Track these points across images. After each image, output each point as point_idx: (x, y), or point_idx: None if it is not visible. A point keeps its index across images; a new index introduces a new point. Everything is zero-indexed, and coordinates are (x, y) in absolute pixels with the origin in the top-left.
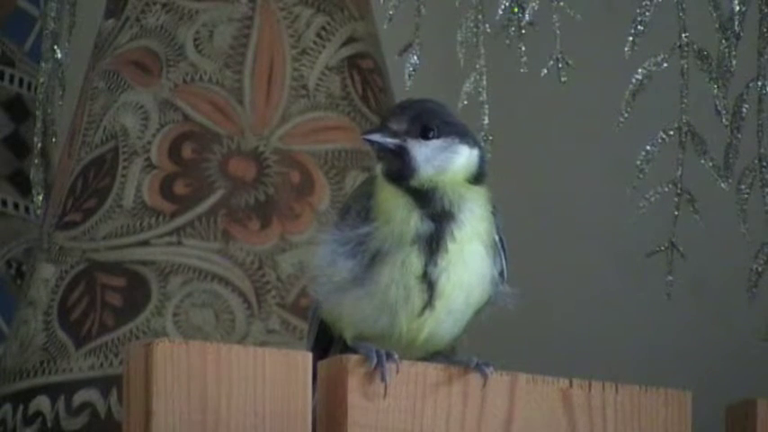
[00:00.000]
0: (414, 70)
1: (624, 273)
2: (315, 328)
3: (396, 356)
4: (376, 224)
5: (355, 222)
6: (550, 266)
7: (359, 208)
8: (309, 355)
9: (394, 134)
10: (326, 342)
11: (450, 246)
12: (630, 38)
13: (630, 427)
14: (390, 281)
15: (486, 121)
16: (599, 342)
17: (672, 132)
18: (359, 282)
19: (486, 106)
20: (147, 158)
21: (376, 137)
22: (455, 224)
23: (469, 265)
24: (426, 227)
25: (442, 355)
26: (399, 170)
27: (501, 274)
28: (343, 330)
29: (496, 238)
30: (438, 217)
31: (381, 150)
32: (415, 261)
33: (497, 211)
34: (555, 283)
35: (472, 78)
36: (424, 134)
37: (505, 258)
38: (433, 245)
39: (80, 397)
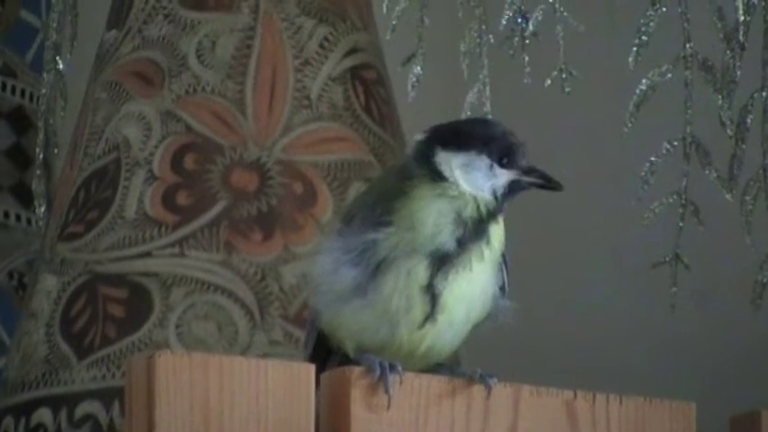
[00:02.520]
0: (417, 81)
1: (628, 284)
2: (312, 338)
3: (399, 368)
4: (390, 229)
5: (362, 228)
6: (553, 278)
7: (374, 211)
8: (312, 367)
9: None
10: (323, 354)
11: (476, 265)
12: (634, 48)
13: None
14: (393, 290)
15: None
16: (603, 354)
17: (676, 143)
18: (361, 291)
19: (490, 117)
20: (150, 170)
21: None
22: (487, 245)
23: (475, 279)
24: (454, 242)
25: (445, 366)
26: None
27: (502, 288)
28: (342, 341)
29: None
30: (471, 234)
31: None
32: (422, 272)
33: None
34: (558, 295)
35: (476, 89)
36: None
37: (507, 273)
38: (449, 260)
39: (82, 409)
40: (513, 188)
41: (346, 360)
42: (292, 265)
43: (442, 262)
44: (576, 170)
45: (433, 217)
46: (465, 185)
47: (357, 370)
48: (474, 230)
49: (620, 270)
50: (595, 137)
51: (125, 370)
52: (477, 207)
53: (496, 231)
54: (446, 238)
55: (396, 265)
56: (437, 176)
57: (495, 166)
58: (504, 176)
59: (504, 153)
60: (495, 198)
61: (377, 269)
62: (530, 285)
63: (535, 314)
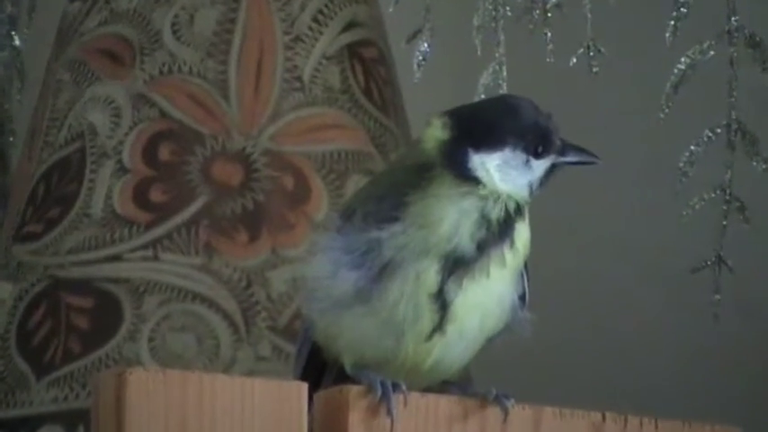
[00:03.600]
0: (424, 60)
1: (664, 292)
2: (305, 352)
3: (403, 387)
4: (398, 227)
5: (365, 225)
6: (577, 285)
7: (380, 206)
8: (305, 386)
9: None
10: (317, 370)
11: (495, 271)
12: (672, 22)
13: None
14: (399, 296)
15: None
16: (635, 370)
17: (719, 130)
18: (363, 296)
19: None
20: (119, 161)
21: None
22: (510, 248)
23: (492, 287)
24: (474, 245)
25: (455, 385)
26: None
27: (522, 297)
28: (339, 354)
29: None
30: (494, 236)
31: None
32: (432, 276)
33: None
34: (582, 304)
35: (491, 69)
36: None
37: (528, 280)
38: (465, 264)
39: None
40: (549, 175)
41: (342, 377)
42: (282, 269)
43: (455, 266)
44: (604, 162)
45: (452, 215)
46: (503, 186)
47: (355, 389)
48: (498, 232)
49: (654, 276)
50: (627, 123)
51: (91, 389)
52: (506, 206)
53: (522, 231)
54: (465, 240)
55: (403, 269)
56: (467, 177)
57: (531, 159)
58: (540, 167)
59: (538, 142)
60: (531, 192)
61: (381, 272)
62: (550, 293)
63: (556, 325)
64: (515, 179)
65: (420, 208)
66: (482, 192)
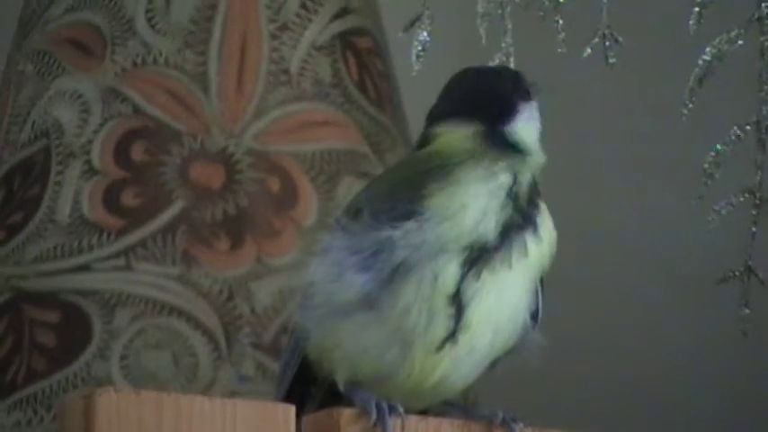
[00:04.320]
0: (423, 50)
1: (687, 305)
2: (293, 367)
3: (400, 409)
4: (412, 224)
5: (375, 224)
6: (591, 298)
7: (392, 202)
8: (292, 409)
9: None
10: (302, 388)
11: (516, 263)
12: (696, 9)
13: None
14: (412, 300)
15: None
16: (653, 391)
17: (748, 127)
18: (369, 302)
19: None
20: (88, 161)
21: None
22: (533, 234)
23: (505, 297)
24: (498, 231)
25: (457, 406)
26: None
27: (534, 316)
28: (333, 370)
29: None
30: (520, 223)
31: None
32: (452, 274)
33: None
34: (596, 318)
35: (497, 60)
36: None
37: (542, 294)
38: (487, 253)
39: None
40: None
41: (330, 396)
42: (267, 280)
43: (476, 258)
44: (622, 162)
45: (481, 200)
46: (536, 146)
47: (348, 412)
48: (523, 212)
49: (676, 287)
50: (646, 120)
51: (57, 412)
52: (532, 176)
53: (546, 217)
54: (490, 224)
55: (418, 269)
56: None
57: (533, 105)
58: (536, 109)
59: (528, 87)
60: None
61: (393, 274)
62: (562, 306)
63: (566, 341)
64: (535, 131)
65: (440, 199)
66: (508, 165)
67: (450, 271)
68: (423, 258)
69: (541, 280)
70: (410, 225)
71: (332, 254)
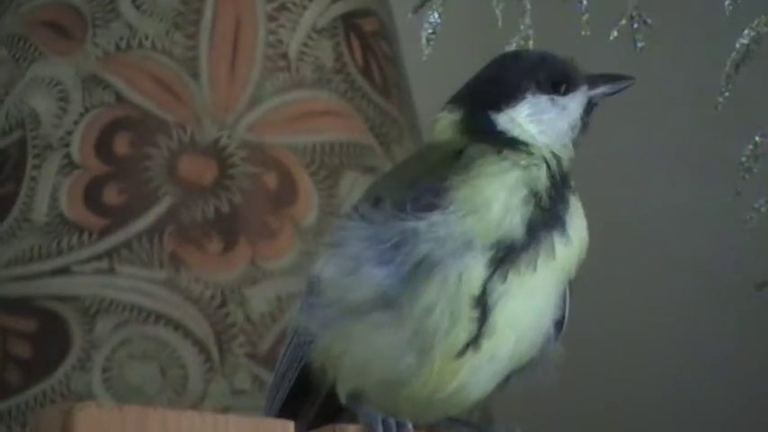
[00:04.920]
0: (434, 33)
1: (720, 312)
2: (291, 376)
3: (409, 426)
4: (437, 216)
5: (397, 213)
6: (615, 304)
7: (415, 190)
8: (290, 425)
9: None
10: (296, 399)
11: (542, 266)
12: None
13: None
14: (435, 300)
15: None
16: (684, 407)
17: None
18: (389, 301)
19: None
20: (67, 155)
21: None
22: (561, 234)
23: (532, 300)
24: (524, 228)
25: (469, 424)
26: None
27: (559, 324)
28: (338, 377)
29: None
30: (548, 221)
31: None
32: (478, 274)
33: None
34: (620, 327)
35: (514, 45)
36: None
37: (569, 302)
38: (515, 253)
39: None
40: (588, 114)
41: (327, 408)
42: (263, 285)
43: (504, 258)
44: (650, 154)
45: (501, 195)
46: (543, 138)
47: (352, 429)
48: (550, 208)
49: (708, 293)
50: (677, 109)
51: (33, 429)
52: (550, 169)
53: (576, 214)
54: (516, 222)
55: (443, 267)
56: (504, 144)
57: (557, 98)
58: (575, 105)
59: (558, 79)
60: (573, 137)
61: (415, 270)
62: (584, 313)
63: (588, 353)
64: (553, 125)
65: (464, 192)
66: (524, 160)
67: (476, 270)
68: (447, 254)
69: (570, 285)
70: (435, 217)
71: (348, 245)
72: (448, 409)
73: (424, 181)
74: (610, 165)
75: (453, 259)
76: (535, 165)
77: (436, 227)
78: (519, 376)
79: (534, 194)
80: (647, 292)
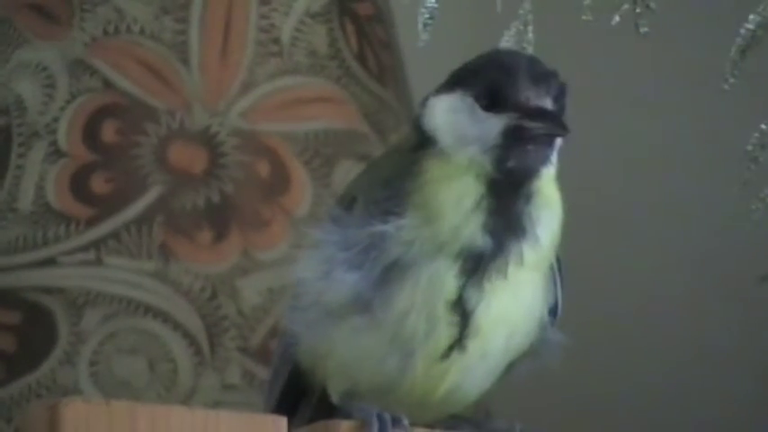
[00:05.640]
0: (431, 18)
1: (724, 305)
2: (283, 376)
3: (405, 422)
4: (403, 221)
5: (367, 216)
6: (619, 296)
7: (384, 193)
8: (283, 421)
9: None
10: (293, 398)
11: (514, 272)
12: None
13: None
14: (409, 305)
15: None
16: (688, 401)
17: None
18: (363, 304)
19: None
20: (53, 142)
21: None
22: (530, 242)
23: (520, 293)
24: (490, 237)
25: (468, 420)
26: (532, 166)
27: (552, 311)
28: (327, 378)
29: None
30: (509, 225)
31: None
32: (451, 281)
33: None
34: (623, 319)
35: (513, 30)
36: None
37: (561, 287)
38: (483, 262)
39: None
40: (509, 141)
41: (324, 406)
42: (255, 277)
43: (475, 266)
44: (653, 145)
45: (451, 200)
46: (449, 139)
47: (346, 426)
48: (511, 215)
49: (712, 285)
50: (681, 96)
51: (18, 425)
52: (485, 175)
53: (547, 218)
54: (476, 230)
55: (413, 271)
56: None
57: (479, 110)
58: (492, 125)
59: (492, 92)
60: (484, 155)
61: (386, 274)
62: (586, 305)
63: (591, 345)
64: (463, 131)
65: (420, 197)
66: (465, 163)
67: (447, 276)
68: (417, 259)
69: (559, 265)
70: (402, 221)
71: (322, 248)
72: (447, 408)
73: (393, 182)
74: (612, 154)
75: (423, 263)
76: (475, 167)
77: (402, 231)
78: (523, 363)
79: (491, 200)
80: (650, 283)
